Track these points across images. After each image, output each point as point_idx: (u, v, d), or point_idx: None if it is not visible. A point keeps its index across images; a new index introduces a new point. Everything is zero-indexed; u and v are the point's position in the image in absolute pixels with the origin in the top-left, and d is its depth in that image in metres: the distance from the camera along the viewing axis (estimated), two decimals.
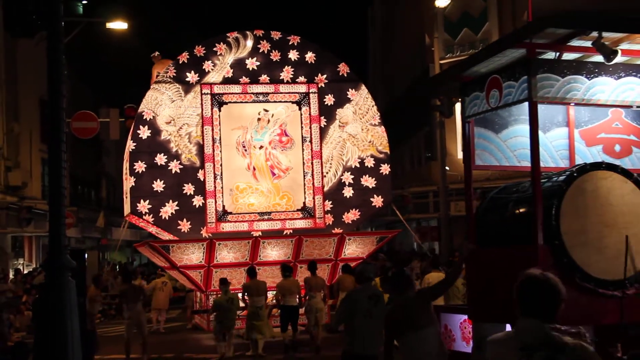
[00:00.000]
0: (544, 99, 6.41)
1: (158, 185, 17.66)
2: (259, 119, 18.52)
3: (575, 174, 6.36)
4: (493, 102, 6.77)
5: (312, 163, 18.65)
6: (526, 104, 6.54)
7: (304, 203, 18.62)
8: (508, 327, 7.05)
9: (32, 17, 32.86)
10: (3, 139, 27.65)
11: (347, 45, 61.43)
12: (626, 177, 6.47)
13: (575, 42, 6.43)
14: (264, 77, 18.54)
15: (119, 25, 26.28)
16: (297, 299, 14.95)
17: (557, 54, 6.50)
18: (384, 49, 41.08)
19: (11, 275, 25.13)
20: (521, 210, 6.64)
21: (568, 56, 6.54)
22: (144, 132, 17.74)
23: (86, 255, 14.03)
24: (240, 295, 15.20)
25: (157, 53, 19.69)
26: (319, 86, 18.78)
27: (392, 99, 37.50)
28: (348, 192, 18.71)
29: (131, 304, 13.76)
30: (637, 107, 6.79)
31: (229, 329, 14.38)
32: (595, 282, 6.22)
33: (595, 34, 6.13)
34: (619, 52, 6.15)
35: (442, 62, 23.90)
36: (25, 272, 27.33)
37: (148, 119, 17.80)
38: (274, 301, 15.90)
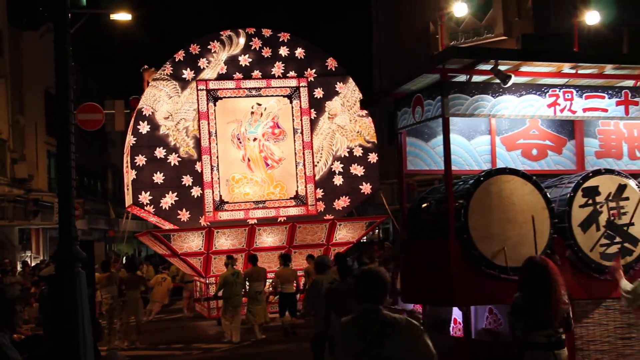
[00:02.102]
0: (455, 115, 7.79)
1: (158, 178, 19.14)
2: (252, 113, 19.97)
3: (482, 178, 7.74)
4: (417, 117, 8.16)
5: (303, 153, 20.10)
6: (447, 118, 7.93)
7: (297, 191, 20.09)
8: (456, 309, 8.49)
9: (37, 9, 33.05)
10: (9, 131, 28.16)
11: (350, 35, 62.07)
12: (526, 180, 7.84)
13: (482, 67, 7.79)
14: (256, 73, 19.97)
15: (123, 16, 26.32)
16: (295, 287, 16.40)
17: (468, 76, 7.85)
18: (388, 37, 41.84)
19: (19, 268, 25.58)
20: (440, 208, 8.04)
21: (477, 78, 7.88)
22: (144, 127, 19.22)
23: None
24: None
25: (145, 66, 20.88)
26: (309, 80, 20.21)
27: (396, 88, 38.20)
28: (338, 180, 20.17)
29: (131, 291, 15.42)
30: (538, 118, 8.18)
31: (235, 306, 15.78)
32: (498, 269, 7.62)
33: (493, 61, 7.51)
34: (512, 76, 7.50)
35: None
36: (33, 264, 27.62)
37: (147, 115, 19.27)
38: (271, 288, 17.26)
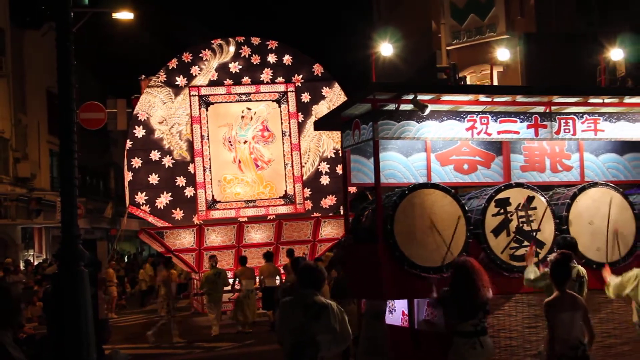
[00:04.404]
0: (384, 138, 9.46)
1: (153, 179, 20.97)
2: (242, 117, 21.77)
3: (406, 192, 9.39)
4: (356, 139, 9.85)
5: (291, 155, 21.88)
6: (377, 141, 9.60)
7: (285, 191, 21.87)
8: (389, 302, 10.17)
9: (40, 7, 33.37)
10: (11, 130, 29.46)
11: (352, 33, 63.24)
12: (446, 193, 9.49)
13: (408, 97, 9.44)
14: (246, 79, 21.75)
15: (125, 15, 27.08)
16: (277, 281, 18.08)
17: (396, 105, 9.50)
18: (390, 37, 42.72)
19: (21, 267, 26.41)
20: (374, 217, 9.72)
21: (405, 107, 9.53)
22: (139, 132, 21.03)
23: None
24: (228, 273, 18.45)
25: (143, 76, 22.61)
26: (296, 85, 22.00)
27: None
28: (325, 180, 21.94)
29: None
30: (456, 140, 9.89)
31: (216, 302, 17.47)
32: (419, 269, 9.29)
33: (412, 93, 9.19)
34: (429, 106, 9.15)
35: (449, 48, 25.68)
36: (36, 263, 28.67)
37: (142, 120, 21.08)
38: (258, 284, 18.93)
